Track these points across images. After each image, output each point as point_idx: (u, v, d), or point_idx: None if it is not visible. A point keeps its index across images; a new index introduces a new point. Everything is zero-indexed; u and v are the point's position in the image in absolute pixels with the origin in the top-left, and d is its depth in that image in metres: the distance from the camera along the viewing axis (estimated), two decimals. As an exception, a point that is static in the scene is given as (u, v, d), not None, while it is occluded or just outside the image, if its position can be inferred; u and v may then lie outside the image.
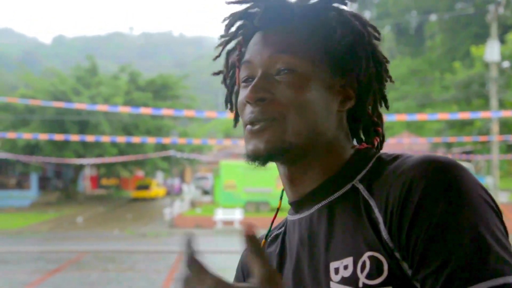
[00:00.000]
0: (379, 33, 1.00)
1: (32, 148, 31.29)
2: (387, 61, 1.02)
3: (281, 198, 1.10)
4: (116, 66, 40.74)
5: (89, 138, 25.17)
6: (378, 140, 1.03)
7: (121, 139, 26.09)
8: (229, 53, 1.06)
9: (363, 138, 1.03)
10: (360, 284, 0.82)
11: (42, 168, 35.69)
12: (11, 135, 25.43)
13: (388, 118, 18.05)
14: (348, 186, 0.92)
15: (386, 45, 59.75)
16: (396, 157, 0.90)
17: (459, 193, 0.78)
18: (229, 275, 1.12)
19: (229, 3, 1.01)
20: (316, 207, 0.94)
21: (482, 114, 18.84)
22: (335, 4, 0.98)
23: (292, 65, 0.91)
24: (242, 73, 0.97)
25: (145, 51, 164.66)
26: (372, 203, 0.86)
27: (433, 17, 52.92)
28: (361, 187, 0.90)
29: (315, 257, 0.91)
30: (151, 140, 26.78)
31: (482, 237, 0.75)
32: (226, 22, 1.03)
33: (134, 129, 33.57)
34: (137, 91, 34.50)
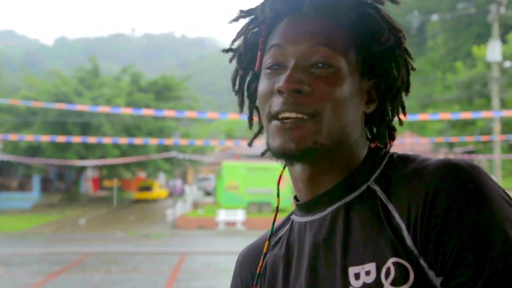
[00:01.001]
0: (405, 38, 0.94)
1: (34, 150, 31.34)
2: (414, 69, 0.98)
3: (278, 195, 1.05)
4: (118, 67, 40.80)
5: (91, 139, 25.21)
6: (391, 143, 1.01)
7: (123, 140, 26.11)
8: (249, 31, 0.98)
9: (378, 141, 1.00)
10: None
11: (44, 170, 35.73)
12: (13, 137, 25.49)
13: (390, 118, 18.03)
14: (364, 187, 0.89)
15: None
16: (409, 158, 0.88)
17: (484, 199, 0.77)
18: (231, 276, 1.12)
19: None
20: (330, 208, 0.90)
21: (484, 114, 18.81)
22: (370, 1, 0.93)
23: (330, 60, 0.86)
24: (268, 58, 0.91)
25: (147, 52, 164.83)
26: (391, 207, 0.83)
27: (435, 17, 52.86)
28: (377, 189, 0.87)
29: (331, 261, 0.88)
30: (153, 141, 26.81)
31: None
32: None
33: (136, 130, 33.60)
34: (139, 92, 34.53)
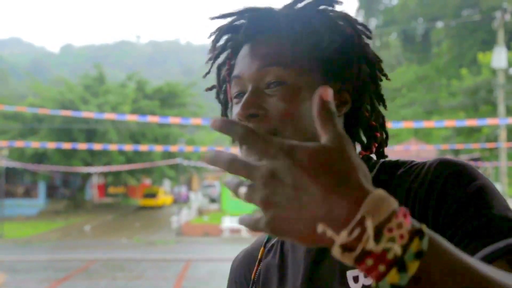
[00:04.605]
0: (370, 31, 0.97)
1: (40, 157, 31.44)
2: (380, 60, 0.99)
3: None
4: (124, 74, 40.95)
5: (97, 146, 25.24)
6: (376, 145, 1.00)
7: (128, 147, 26.14)
8: (219, 67, 1.02)
9: (365, 141, 1.00)
10: None
11: (50, 177, 35.81)
12: (19, 143, 25.58)
13: (395, 125, 18.00)
14: None
15: (393, 52, 59.66)
16: (401, 162, 0.90)
17: (475, 182, 0.79)
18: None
19: (212, 18, 0.98)
20: None
21: (489, 121, 18.72)
22: (322, 7, 0.95)
23: (282, 77, 0.89)
24: (233, 89, 0.94)
25: (152, 59, 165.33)
26: None
27: (439, 24, 52.86)
28: None
29: (327, 266, 0.89)
30: (158, 148, 26.81)
31: (503, 209, 0.76)
32: (213, 37, 0.99)
33: (142, 137, 33.65)
34: (145, 99, 34.61)
